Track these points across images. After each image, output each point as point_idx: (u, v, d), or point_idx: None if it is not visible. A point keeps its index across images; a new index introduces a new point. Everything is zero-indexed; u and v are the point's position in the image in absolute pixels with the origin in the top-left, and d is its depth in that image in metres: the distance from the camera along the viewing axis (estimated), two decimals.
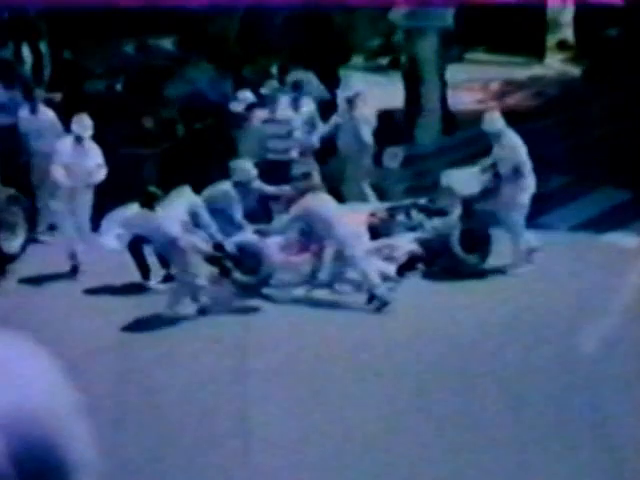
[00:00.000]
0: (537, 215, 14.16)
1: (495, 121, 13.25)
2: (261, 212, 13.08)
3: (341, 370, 10.03)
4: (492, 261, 12.77)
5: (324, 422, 8.97)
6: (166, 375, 9.99)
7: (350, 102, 14.56)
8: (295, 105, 14.80)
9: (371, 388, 9.63)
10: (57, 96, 16.19)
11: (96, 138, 13.02)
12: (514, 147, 12.91)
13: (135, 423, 9.04)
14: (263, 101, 14.84)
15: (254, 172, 12.51)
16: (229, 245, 11.81)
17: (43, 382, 1.36)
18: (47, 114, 14.27)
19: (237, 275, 11.99)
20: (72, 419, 1.37)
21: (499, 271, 12.67)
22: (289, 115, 14.64)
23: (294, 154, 14.34)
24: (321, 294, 12.02)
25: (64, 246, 12.77)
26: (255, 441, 8.65)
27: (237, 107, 14.75)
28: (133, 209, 11.98)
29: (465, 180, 13.23)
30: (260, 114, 14.63)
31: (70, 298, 12.08)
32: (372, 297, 11.64)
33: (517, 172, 12.79)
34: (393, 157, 15.26)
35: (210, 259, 11.72)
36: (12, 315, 11.18)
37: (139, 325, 11.24)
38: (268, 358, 10.25)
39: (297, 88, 14.97)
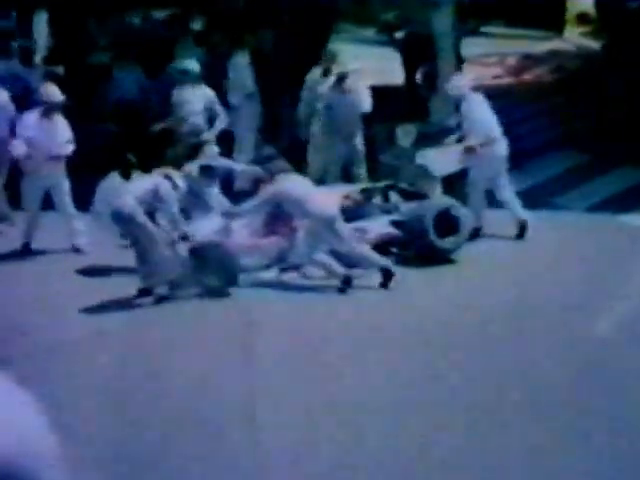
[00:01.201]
0: (553, 195, 13.90)
1: (458, 85, 12.89)
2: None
3: (342, 351, 9.77)
4: (489, 243, 12.40)
5: (329, 407, 8.74)
6: (170, 359, 9.76)
7: (342, 79, 13.92)
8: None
9: (372, 371, 9.36)
10: (59, 69, 15.96)
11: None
12: (475, 116, 12.48)
13: (139, 407, 8.86)
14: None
15: (215, 150, 12.59)
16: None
17: (22, 426, 1.31)
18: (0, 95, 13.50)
19: (203, 277, 11.49)
20: (50, 466, 1.33)
21: (499, 252, 12.30)
22: (190, 99, 14.30)
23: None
24: (290, 277, 11.73)
25: None
26: (262, 425, 8.43)
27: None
28: (114, 179, 11.74)
29: (440, 160, 12.85)
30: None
31: (72, 279, 11.84)
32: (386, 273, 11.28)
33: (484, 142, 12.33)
34: (406, 135, 14.89)
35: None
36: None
37: (143, 308, 10.98)
38: (274, 342, 10.03)
39: (185, 75, 14.48)
